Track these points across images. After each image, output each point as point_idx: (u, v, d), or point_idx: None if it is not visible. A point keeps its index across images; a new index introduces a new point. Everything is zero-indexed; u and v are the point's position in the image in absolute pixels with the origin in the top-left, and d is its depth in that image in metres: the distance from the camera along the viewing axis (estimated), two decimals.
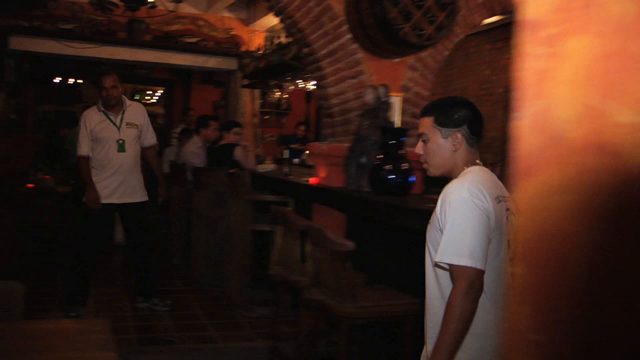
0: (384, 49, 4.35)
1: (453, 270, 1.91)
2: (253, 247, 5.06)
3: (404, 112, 4.72)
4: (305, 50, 4.45)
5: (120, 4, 5.65)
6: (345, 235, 4.29)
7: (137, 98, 15.70)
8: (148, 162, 5.00)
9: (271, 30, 8.07)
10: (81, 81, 13.95)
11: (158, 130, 11.11)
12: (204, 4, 7.81)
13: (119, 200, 4.63)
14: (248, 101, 8.07)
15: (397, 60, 4.60)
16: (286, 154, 5.46)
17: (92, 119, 4.61)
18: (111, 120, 4.62)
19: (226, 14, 7.88)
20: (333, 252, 2.90)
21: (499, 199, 1.98)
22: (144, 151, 4.87)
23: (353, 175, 4.12)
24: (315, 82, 4.59)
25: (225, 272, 5.28)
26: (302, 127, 10.65)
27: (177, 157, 7.38)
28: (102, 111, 4.63)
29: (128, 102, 4.77)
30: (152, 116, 11.33)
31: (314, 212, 4.61)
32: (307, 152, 10.11)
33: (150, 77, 11.01)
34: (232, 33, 7.86)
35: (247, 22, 7.93)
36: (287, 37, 5.80)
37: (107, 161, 4.58)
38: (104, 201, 4.57)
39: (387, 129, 3.91)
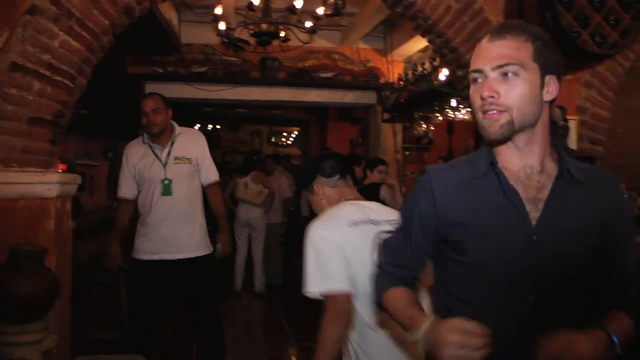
0: None
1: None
2: None
3: (580, 138, 4.10)
4: (460, 72, 3.98)
5: (252, 40, 5.47)
6: None
7: (273, 141, 15.93)
8: (210, 202, 4.06)
9: (408, 60, 7.69)
10: (219, 127, 14.37)
11: (293, 172, 11.03)
12: (338, 36, 7.58)
13: (161, 257, 3.77)
14: (389, 136, 7.64)
15: (569, 77, 4.00)
16: None
17: (135, 153, 3.84)
18: (156, 155, 3.79)
19: (362, 45, 7.58)
20: None
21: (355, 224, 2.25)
22: (205, 190, 4.00)
23: None
24: (470, 109, 4.08)
25: None
26: (441, 162, 10.09)
27: None
28: (147, 144, 3.83)
29: (178, 129, 3.86)
30: (286, 157, 11.29)
31: None
32: None
33: (285, 117, 10.97)
34: (370, 65, 7.54)
35: (384, 52, 7.58)
36: (433, 62, 5.35)
37: (150, 207, 3.77)
38: (144, 257, 3.79)
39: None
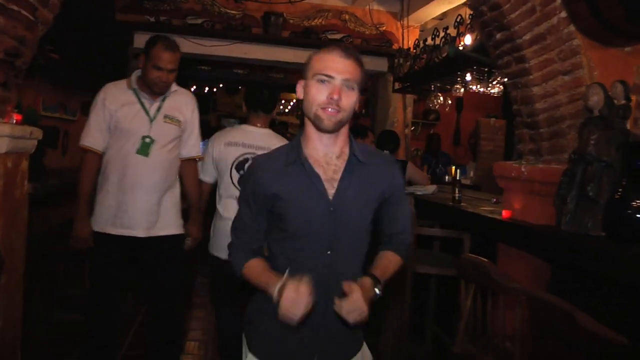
0: (619, 32, 3.15)
1: None
2: (412, 295, 4.04)
3: (636, 121, 3.49)
4: (498, 36, 3.38)
5: None
6: (549, 291, 3.15)
7: None
8: (182, 182, 3.45)
9: (424, 28, 7.05)
10: (215, 90, 13.67)
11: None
12: None
13: (131, 232, 3.16)
14: (399, 108, 7.04)
15: (628, 49, 3.39)
16: (458, 173, 4.35)
17: (115, 98, 3.17)
18: (143, 106, 3.19)
19: (375, 6, 6.93)
20: (589, 351, 1.80)
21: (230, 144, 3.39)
22: (181, 166, 3.41)
23: (571, 211, 2.97)
24: (508, 80, 3.48)
25: (385, 315, 4.27)
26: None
27: None
28: (133, 90, 3.20)
29: (174, 86, 3.30)
30: (283, 125, 10.56)
31: (499, 255, 3.50)
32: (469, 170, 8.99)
33: (286, 82, 10.30)
34: (382, 29, 6.89)
35: (400, 16, 6.92)
36: (459, 25, 4.72)
37: (121, 168, 3.14)
38: (109, 231, 3.15)
39: (635, 145, 2.72)
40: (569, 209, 2.98)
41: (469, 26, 4.54)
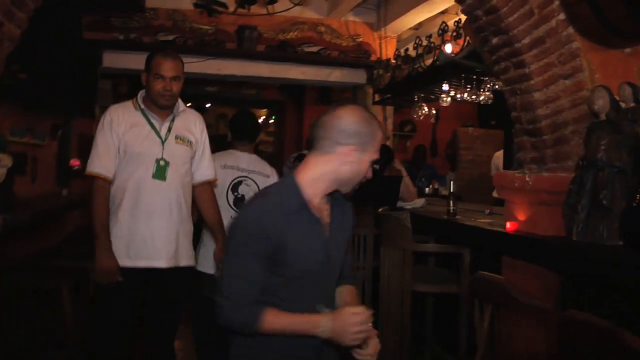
0: (620, 32, 3.05)
1: None
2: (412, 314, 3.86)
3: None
4: (495, 40, 3.25)
5: (230, 0, 4.62)
6: (560, 304, 3.01)
7: None
8: (198, 208, 3.23)
9: (400, 38, 6.93)
10: (189, 104, 13.38)
11: (268, 159, 10.15)
12: (325, 7, 6.77)
13: (150, 264, 2.94)
14: (380, 121, 6.89)
15: (628, 50, 3.29)
16: (452, 186, 4.21)
17: (123, 120, 2.94)
18: (153, 127, 3.00)
19: (351, 17, 6.79)
20: None
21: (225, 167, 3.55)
22: (195, 190, 3.18)
23: (583, 220, 2.83)
24: (505, 87, 3.34)
25: (382, 336, 4.07)
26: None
27: None
28: (141, 110, 3.01)
29: (182, 105, 3.13)
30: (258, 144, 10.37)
31: (504, 269, 3.35)
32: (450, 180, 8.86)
33: (258, 97, 10.11)
34: (359, 40, 6.76)
35: (376, 27, 6.79)
36: (444, 33, 4.59)
37: (133, 192, 2.92)
38: (123, 263, 2.89)
39: None
40: (580, 218, 2.85)
41: (454, 33, 4.42)
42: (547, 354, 2.22)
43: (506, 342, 2.43)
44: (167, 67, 2.92)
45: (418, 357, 4.27)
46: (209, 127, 10.57)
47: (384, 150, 5.08)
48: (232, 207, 3.52)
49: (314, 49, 6.53)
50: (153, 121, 3.00)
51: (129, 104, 3.04)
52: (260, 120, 14.80)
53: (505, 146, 4.16)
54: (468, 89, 4.81)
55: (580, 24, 3.08)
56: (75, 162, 5.89)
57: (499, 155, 7.72)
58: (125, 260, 2.89)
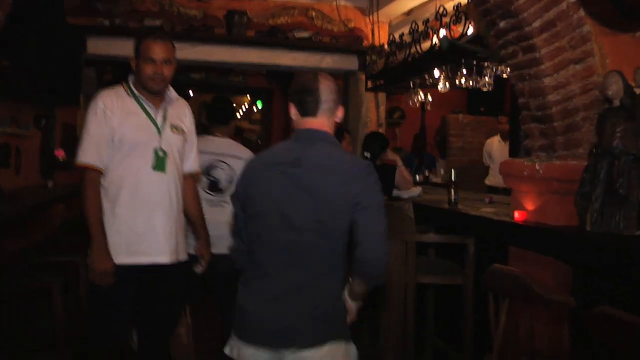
0: (632, 14, 2.95)
1: None
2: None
3: None
4: (502, 24, 3.14)
5: None
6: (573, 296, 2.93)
7: None
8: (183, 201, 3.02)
9: (391, 24, 6.79)
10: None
11: (255, 148, 9.97)
12: None
13: (152, 260, 2.79)
14: (372, 108, 6.74)
15: (639, 34, 3.20)
16: (453, 174, 4.11)
17: (115, 107, 2.75)
18: (148, 115, 2.83)
19: (342, 2, 6.62)
20: None
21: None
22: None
23: (598, 210, 2.74)
24: (512, 72, 3.24)
25: (384, 334, 3.98)
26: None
27: None
28: (134, 97, 2.83)
29: (174, 92, 2.95)
30: (239, 130, 10.03)
31: (511, 260, 3.27)
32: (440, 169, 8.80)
33: (246, 85, 9.93)
34: (351, 25, 6.60)
35: (368, 11, 6.63)
36: (442, 17, 4.46)
37: (131, 184, 2.75)
38: (123, 261, 2.74)
39: None
40: (595, 207, 2.76)
41: (452, 18, 4.30)
42: (571, 350, 2.14)
43: (526, 339, 2.34)
44: (158, 50, 2.75)
45: (419, 350, 4.18)
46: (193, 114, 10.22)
47: (377, 138, 4.97)
48: (206, 192, 3.53)
49: (305, 34, 6.37)
50: (148, 109, 2.82)
51: (120, 90, 2.84)
52: (244, 108, 14.69)
53: (512, 133, 4.06)
54: (467, 75, 4.70)
55: (592, 6, 2.99)
56: (60, 153, 5.71)
57: (490, 142, 7.66)
58: (125, 258, 2.73)
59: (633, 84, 2.88)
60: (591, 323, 1.91)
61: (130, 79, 2.87)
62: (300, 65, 6.49)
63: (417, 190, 4.99)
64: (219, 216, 3.39)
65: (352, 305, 2.15)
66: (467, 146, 9.26)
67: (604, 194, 2.74)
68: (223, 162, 3.59)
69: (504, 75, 4.41)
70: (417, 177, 8.07)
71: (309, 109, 2.19)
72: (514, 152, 4.03)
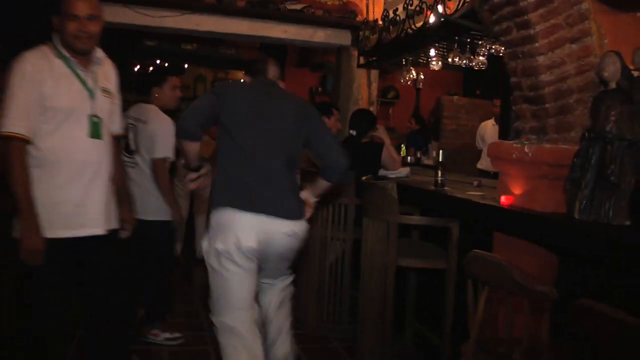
0: None
1: None
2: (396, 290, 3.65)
3: None
4: None
5: None
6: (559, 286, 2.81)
7: None
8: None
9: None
10: (167, 64, 12.90)
11: None
12: None
13: (91, 231, 2.65)
14: (363, 85, 6.58)
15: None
16: (441, 155, 3.96)
17: (42, 69, 2.55)
18: (79, 78, 2.64)
19: None
20: None
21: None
22: None
23: (587, 197, 2.61)
24: (506, 50, 3.09)
25: (360, 316, 3.87)
26: (413, 121, 9.18)
27: None
28: (64, 58, 2.62)
29: (101, 52, 2.75)
30: None
31: (496, 246, 3.14)
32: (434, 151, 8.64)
33: (237, 57, 9.74)
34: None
35: None
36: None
37: (66, 154, 2.58)
38: (54, 234, 2.55)
39: None
40: (584, 194, 2.62)
41: None
42: (550, 341, 2.02)
43: (504, 329, 2.22)
44: (81, 6, 2.56)
45: (401, 334, 4.08)
46: (185, 88, 10.08)
47: (364, 115, 4.82)
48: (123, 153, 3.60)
49: (297, 6, 6.19)
50: (79, 71, 2.63)
51: (45, 51, 2.61)
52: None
53: (502, 115, 3.91)
54: (460, 53, 4.54)
55: None
56: None
57: (484, 126, 7.52)
58: (63, 232, 2.57)
59: (631, 67, 2.74)
60: (572, 315, 1.79)
61: (55, 39, 2.65)
62: (291, 38, 6.34)
63: (404, 171, 4.86)
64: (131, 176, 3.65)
65: (312, 201, 3.06)
66: (461, 129, 9.13)
67: (595, 181, 2.60)
68: (134, 125, 3.83)
69: (501, 54, 4.26)
70: (409, 158, 7.94)
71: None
72: (504, 134, 3.89)
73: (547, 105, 2.93)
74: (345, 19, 6.34)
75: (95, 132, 2.64)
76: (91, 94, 2.66)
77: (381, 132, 4.89)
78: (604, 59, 2.66)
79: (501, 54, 4.36)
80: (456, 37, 4.32)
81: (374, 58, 6.03)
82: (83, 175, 2.61)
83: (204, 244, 2.86)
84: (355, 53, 6.41)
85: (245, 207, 2.76)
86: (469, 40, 4.33)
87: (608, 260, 2.43)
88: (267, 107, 2.91)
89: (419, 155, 8.16)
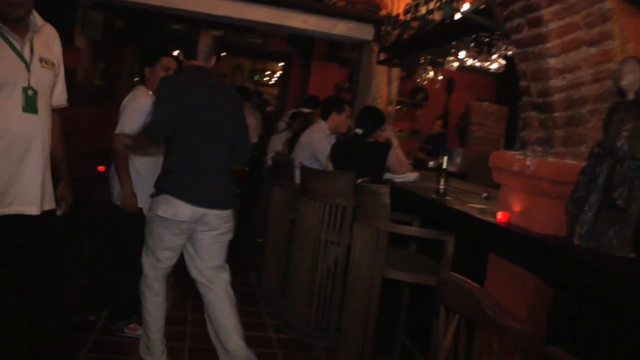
0: None
1: None
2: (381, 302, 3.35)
3: None
4: None
5: None
6: (552, 324, 2.49)
7: (256, 79, 14.31)
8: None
9: None
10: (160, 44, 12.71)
11: (270, 117, 9.56)
12: None
13: (19, 209, 2.45)
14: (383, 83, 6.25)
15: None
16: (445, 162, 3.64)
17: None
18: (13, 48, 2.41)
19: None
20: None
21: None
22: None
23: (589, 221, 2.27)
24: (517, 50, 2.75)
25: (343, 327, 3.59)
26: (439, 123, 8.83)
27: (286, 147, 5.94)
28: None
29: (39, 19, 2.54)
30: (257, 94, 9.58)
31: (490, 268, 2.82)
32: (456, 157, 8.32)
33: (264, 48, 9.48)
34: None
35: None
36: None
37: (1, 128, 2.38)
38: None
39: None
40: (586, 218, 2.29)
41: None
42: None
43: None
44: None
45: (386, 347, 3.78)
46: (223, 76, 9.97)
47: (372, 113, 4.50)
48: None
49: None
50: (12, 41, 2.39)
51: None
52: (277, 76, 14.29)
53: (509, 122, 3.56)
54: (477, 54, 4.19)
55: None
56: None
57: None
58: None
59: None
60: None
61: None
62: (311, 29, 6.04)
63: (412, 176, 4.54)
64: None
65: None
66: (488, 136, 8.73)
67: (599, 204, 2.26)
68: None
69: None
70: (431, 163, 7.61)
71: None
72: (509, 144, 3.53)
73: (555, 114, 2.59)
74: (369, 12, 6.03)
75: (29, 105, 2.43)
76: (27, 65, 2.43)
77: (389, 133, 4.58)
78: (622, 65, 2.31)
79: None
80: (473, 36, 3.96)
81: (394, 56, 5.69)
82: (13, 151, 2.40)
83: None
84: (377, 49, 6.09)
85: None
86: (487, 40, 3.98)
87: (606, 297, 2.10)
88: (212, 105, 3.15)
89: (440, 161, 7.81)
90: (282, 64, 11.17)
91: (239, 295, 4.58)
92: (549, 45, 2.53)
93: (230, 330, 3.25)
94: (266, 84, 14.49)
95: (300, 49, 9.30)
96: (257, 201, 7.04)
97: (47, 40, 2.58)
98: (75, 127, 6.38)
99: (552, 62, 2.54)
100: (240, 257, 5.96)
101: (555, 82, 2.55)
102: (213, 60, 3.21)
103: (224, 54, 12.32)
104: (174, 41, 8.69)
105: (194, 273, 3.31)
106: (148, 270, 3.24)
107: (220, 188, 3.19)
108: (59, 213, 2.73)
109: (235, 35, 9.14)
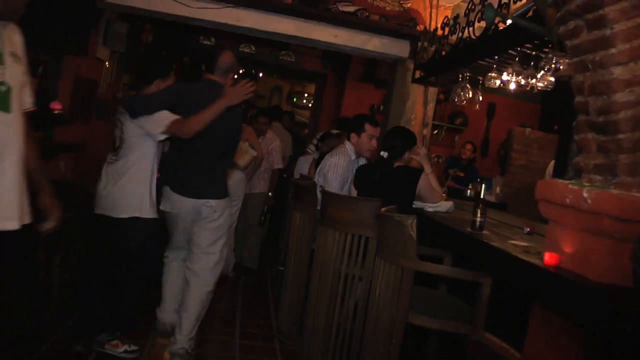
0: None
1: None
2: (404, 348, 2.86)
3: None
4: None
5: None
6: None
7: (295, 101, 14.01)
8: None
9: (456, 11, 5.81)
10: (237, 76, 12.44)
11: (301, 139, 9.18)
12: None
13: None
14: (418, 104, 5.79)
15: None
16: (483, 191, 3.15)
17: None
18: None
19: None
20: None
21: None
22: None
23: None
24: (573, 59, 2.27)
25: None
26: (469, 147, 8.29)
27: (312, 170, 5.55)
28: None
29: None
30: (289, 114, 9.21)
31: (533, 320, 2.32)
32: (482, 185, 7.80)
33: (298, 67, 9.10)
34: (407, 6, 5.68)
35: None
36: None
37: None
38: None
39: None
40: None
41: None
42: None
43: None
44: None
45: None
46: (261, 98, 9.71)
47: (400, 134, 4.05)
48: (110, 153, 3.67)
49: (351, 8, 5.49)
50: None
51: None
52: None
53: (560, 146, 3.06)
54: (522, 70, 3.69)
55: None
56: (56, 105, 5.07)
57: (553, 165, 6.58)
58: None
59: None
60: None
61: None
62: (342, 44, 5.62)
63: (446, 205, 4.06)
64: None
65: None
66: (531, 165, 8.17)
67: None
68: (121, 122, 3.62)
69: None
70: (469, 192, 7.09)
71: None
72: (560, 172, 3.03)
73: (620, 135, 2.09)
74: (404, 26, 5.58)
75: (2, 103, 2.13)
76: (1, 57, 2.16)
77: (422, 157, 4.12)
78: None
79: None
80: (518, 48, 3.47)
81: (430, 74, 5.24)
82: None
83: None
84: (412, 66, 5.65)
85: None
86: (534, 53, 3.49)
87: None
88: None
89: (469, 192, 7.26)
90: (307, 81, 10.77)
91: (254, 328, 4.18)
92: (613, 51, 2.05)
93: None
94: (305, 107, 14.17)
95: (334, 68, 8.91)
96: (283, 226, 6.64)
97: (12, 35, 2.27)
98: (93, 140, 6.12)
99: (618, 71, 2.06)
100: (261, 287, 5.59)
101: (621, 97, 2.07)
102: (230, 77, 3.47)
103: (261, 74, 12.05)
104: (202, 56, 8.41)
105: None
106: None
107: (205, 181, 3.49)
108: (47, 227, 2.41)
109: (267, 53, 8.81)
